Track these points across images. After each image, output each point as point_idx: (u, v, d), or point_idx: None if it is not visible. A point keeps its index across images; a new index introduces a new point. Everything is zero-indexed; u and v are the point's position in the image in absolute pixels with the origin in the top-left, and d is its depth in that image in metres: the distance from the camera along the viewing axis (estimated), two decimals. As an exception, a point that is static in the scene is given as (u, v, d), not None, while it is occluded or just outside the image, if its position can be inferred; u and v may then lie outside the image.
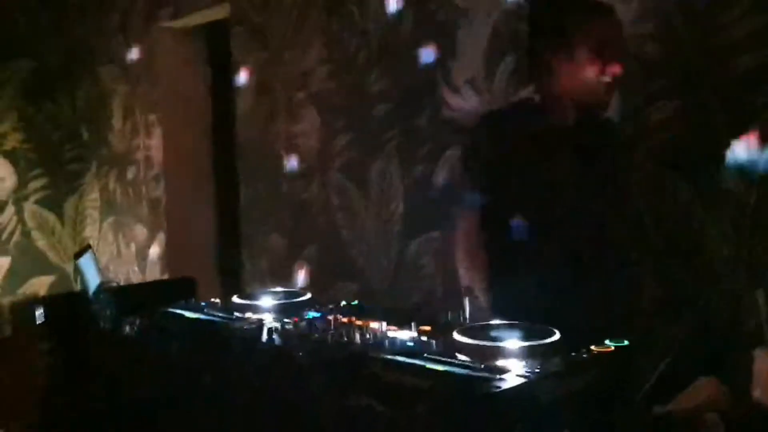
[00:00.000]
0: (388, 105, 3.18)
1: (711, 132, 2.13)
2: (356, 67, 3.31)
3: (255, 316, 1.69)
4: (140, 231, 4.98)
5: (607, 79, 1.87)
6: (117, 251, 5.22)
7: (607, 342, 1.34)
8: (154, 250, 4.86)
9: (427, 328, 1.51)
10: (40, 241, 5.41)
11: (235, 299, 1.83)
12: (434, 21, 2.95)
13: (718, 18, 2.12)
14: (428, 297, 2.97)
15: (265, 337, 1.51)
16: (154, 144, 4.79)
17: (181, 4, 4.42)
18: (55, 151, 5.42)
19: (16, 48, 5.23)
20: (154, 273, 4.83)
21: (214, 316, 1.72)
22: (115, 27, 5.02)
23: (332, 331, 1.52)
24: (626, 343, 1.35)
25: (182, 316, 1.75)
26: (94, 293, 2.21)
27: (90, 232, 5.49)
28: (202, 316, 1.72)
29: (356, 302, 1.81)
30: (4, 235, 5.29)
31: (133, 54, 4.84)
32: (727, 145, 2.07)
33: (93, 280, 2.09)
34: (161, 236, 4.78)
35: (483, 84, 2.78)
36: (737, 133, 2.06)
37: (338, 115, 3.44)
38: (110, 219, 5.29)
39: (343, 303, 1.79)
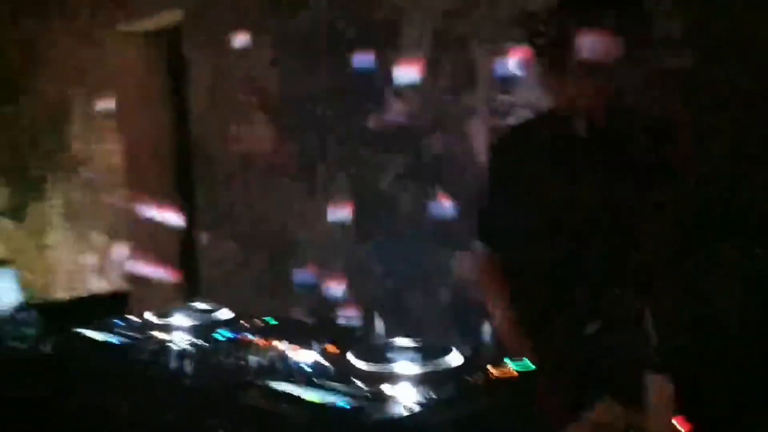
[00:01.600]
0: (334, 108, 3.11)
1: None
2: (302, 69, 3.24)
3: (162, 337, 1.62)
4: (100, 239, 4.89)
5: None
6: (76, 260, 5.13)
7: (509, 365, 1.28)
8: (116, 258, 4.77)
9: (333, 348, 1.45)
10: None
11: (149, 317, 1.76)
12: (374, 22, 2.87)
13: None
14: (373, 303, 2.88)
15: (147, 358, 1.45)
16: (112, 149, 4.70)
17: (136, 8, 4.33)
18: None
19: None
20: (116, 281, 4.74)
21: (120, 337, 1.64)
22: (69, 29, 4.91)
23: (233, 353, 1.45)
24: (532, 367, 1.28)
25: (88, 337, 1.68)
26: (15, 310, 2.12)
27: (52, 240, 5.40)
28: (107, 338, 1.65)
29: (272, 320, 1.74)
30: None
31: (89, 58, 4.74)
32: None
33: (7, 297, 2.01)
34: (122, 244, 4.69)
35: (425, 88, 2.71)
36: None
37: (285, 117, 3.37)
38: (68, 226, 5.20)
39: (258, 321, 1.72)
